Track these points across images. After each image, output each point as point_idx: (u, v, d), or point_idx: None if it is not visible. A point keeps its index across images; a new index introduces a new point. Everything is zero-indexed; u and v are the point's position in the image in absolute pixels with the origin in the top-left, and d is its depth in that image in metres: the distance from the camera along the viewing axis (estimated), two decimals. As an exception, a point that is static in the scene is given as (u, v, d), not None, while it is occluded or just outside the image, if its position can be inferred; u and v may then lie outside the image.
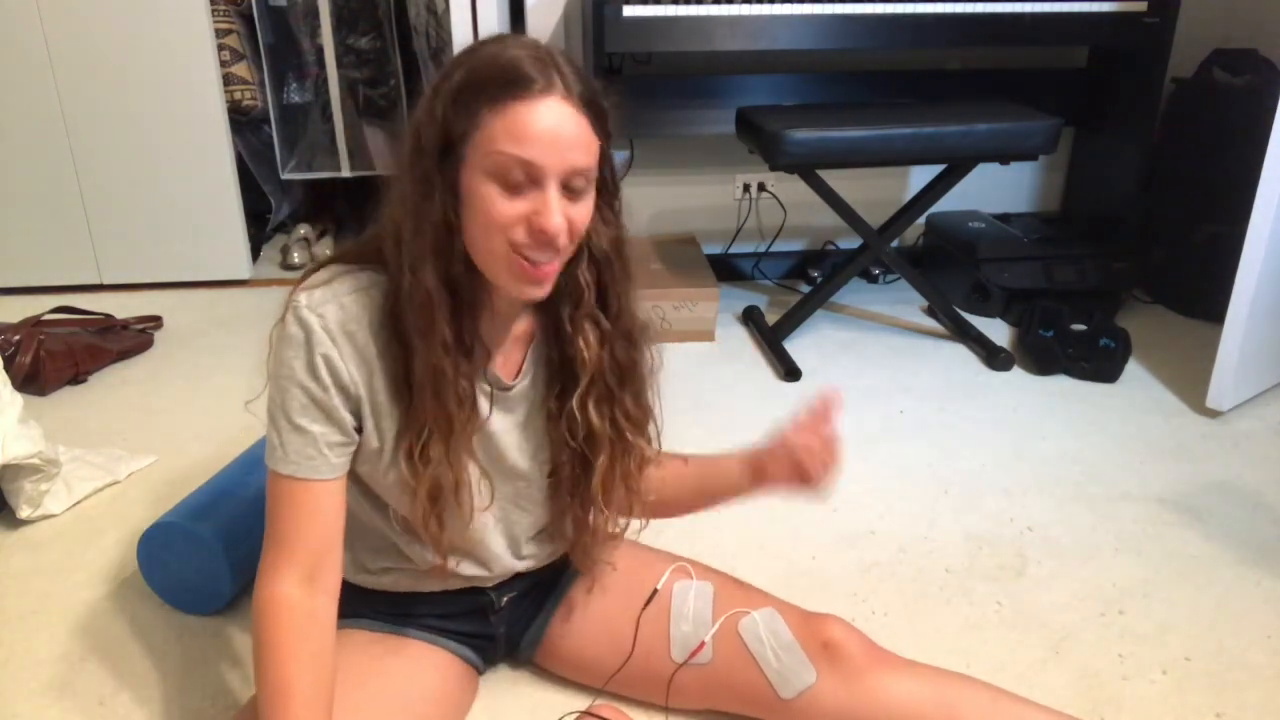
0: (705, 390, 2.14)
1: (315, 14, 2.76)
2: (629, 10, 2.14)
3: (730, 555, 1.54)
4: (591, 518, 1.11)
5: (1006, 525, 1.66)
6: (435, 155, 0.88)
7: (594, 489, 1.07)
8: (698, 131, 2.62)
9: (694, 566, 1.22)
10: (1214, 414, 2.03)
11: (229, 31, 2.70)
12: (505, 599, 1.18)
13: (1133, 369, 2.24)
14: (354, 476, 1.03)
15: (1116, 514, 1.69)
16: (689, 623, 1.15)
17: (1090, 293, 2.50)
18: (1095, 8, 2.29)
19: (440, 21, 2.74)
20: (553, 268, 0.94)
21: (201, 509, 1.40)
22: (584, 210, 0.93)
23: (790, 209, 2.77)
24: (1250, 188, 1.84)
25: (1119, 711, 1.24)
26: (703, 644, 1.13)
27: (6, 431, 1.55)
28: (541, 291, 0.95)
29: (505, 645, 1.24)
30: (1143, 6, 2.30)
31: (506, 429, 1.05)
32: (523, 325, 1.04)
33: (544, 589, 1.23)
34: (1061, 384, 2.19)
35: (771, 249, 2.81)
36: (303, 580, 0.96)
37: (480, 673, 1.24)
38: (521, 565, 1.16)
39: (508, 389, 1.04)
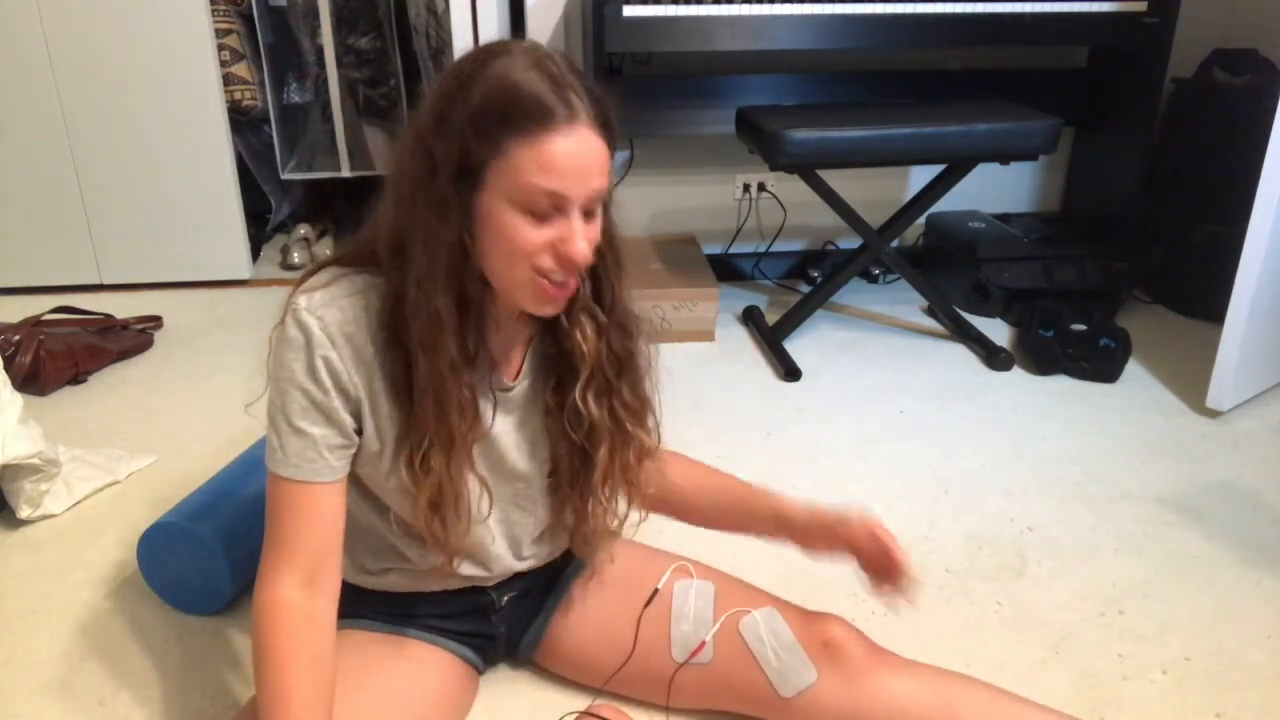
0: (705, 390, 2.14)
1: (315, 14, 2.76)
2: (629, 10, 2.14)
3: (730, 555, 1.54)
4: (591, 508, 1.11)
5: (1006, 525, 1.66)
6: (452, 178, 0.87)
7: (594, 481, 1.07)
8: (698, 131, 2.62)
9: (694, 566, 1.22)
10: (1214, 414, 2.03)
11: (229, 31, 2.70)
12: (505, 598, 1.18)
13: (1133, 369, 2.24)
14: (354, 478, 1.03)
15: (1116, 514, 1.69)
16: (689, 622, 1.15)
17: (1090, 293, 2.50)
18: (1095, 8, 2.29)
19: (440, 21, 2.74)
20: (573, 285, 0.95)
21: (201, 509, 1.40)
22: (598, 227, 0.94)
23: (790, 209, 2.77)
24: (1250, 188, 1.84)
25: (1119, 711, 1.24)
26: (703, 643, 1.13)
27: (6, 431, 1.55)
28: (558, 308, 0.96)
29: (505, 645, 1.24)
30: (1143, 6, 2.31)
31: (506, 430, 1.05)
32: (524, 327, 1.04)
33: (544, 588, 1.23)
34: (1061, 384, 2.19)
35: (771, 249, 2.81)
36: (303, 583, 0.96)
37: (480, 673, 1.24)
38: (522, 565, 1.16)
39: (509, 390, 1.04)
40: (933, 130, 2.12)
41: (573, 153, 0.86)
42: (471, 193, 0.88)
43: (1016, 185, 2.86)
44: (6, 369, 1.88)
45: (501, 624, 1.21)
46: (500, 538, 1.11)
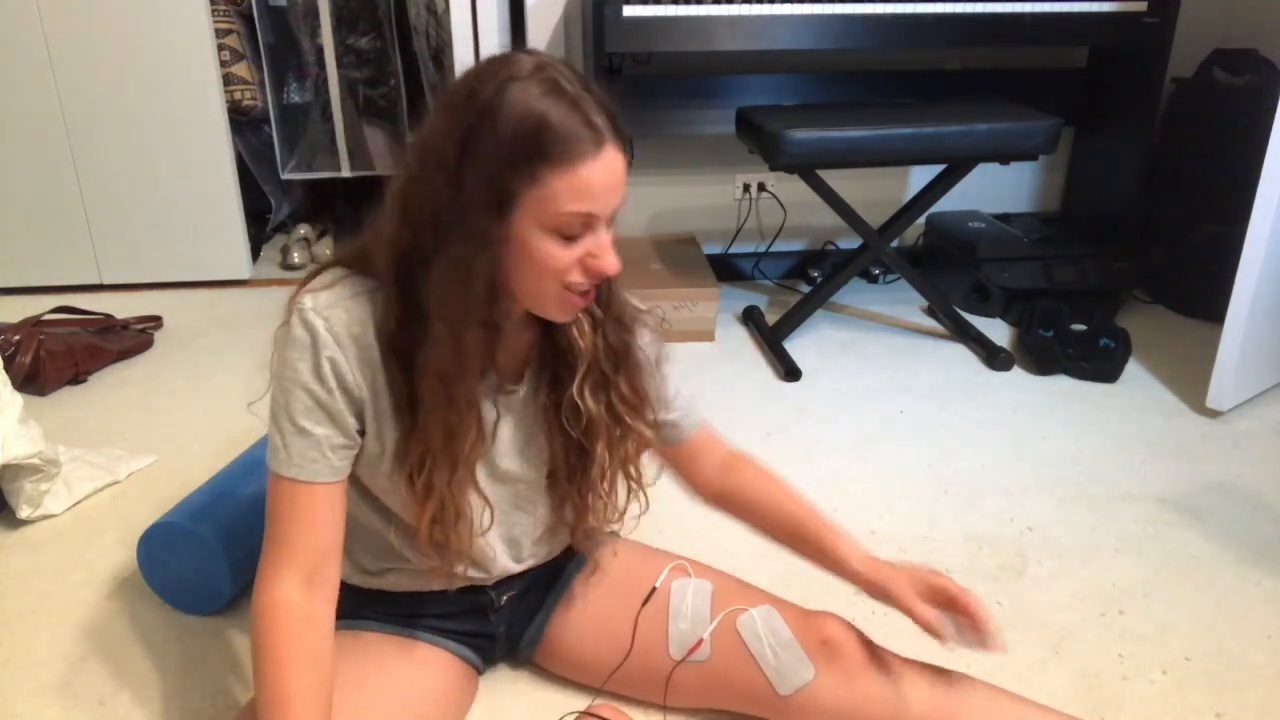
0: (705, 390, 2.14)
1: (315, 14, 2.76)
2: (629, 10, 2.14)
3: (730, 555, 1.54)
4: (591, 503, 1.11)
5: (1006, 525, 1.66)
6: (487, 211, 0.87)
7: (592, 477, 1.07)
8: (698, 131, 2.62)
9: (693, 565, 1.22)
10: (1214, 414, 2.03)
11: (229, 31, 2.70)
12: (505, 598, 1.18)
13: (1133, 369, 2.24)
14: (353, 479, 1.03)
15: (1116, 514, 1.69)
16: (687, 620, 1.15)
17: (1090, 293, 2.50)
18: (1095, 8, 2.29)
19: (440, 21, 2.74)
20: (594, 292, 0.96)
21: (201, 509, 1.39)
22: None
23: (790, 209, 2.77)
24: (1250, 188, 1.84)
25: (1119, 711, 1.24)
26: (701, 641, 1.14)
27: (6, 431, 1.55)
28: (575, 315, 0.98)
29: (505, 644, 1.24)
30: (1143, 6, 2.31)
31: (505, 434, 1.05)
32: (527, 332, 1.04)
33: (543, 587, 1.23)
34: (1061, 384, 2.19)
35: (771, 249, 2.81)
36: (302, 583, 0.96)
37: (480, 673, 1.24)
38: (521, 566, 1.16)
39: (512, 394, 1.04)
40: (933, 130, 2.12)
41: (603, 174, 0.87)
42: (500, 221, 0.88)
43: (1016, 185, 2.86)
44: (6, 369, 1.88)
45: (501, 623, 1.21)
46: (499, 540, 1.11)
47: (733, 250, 2.80)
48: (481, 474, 1.04)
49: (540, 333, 1.05)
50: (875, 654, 1.10)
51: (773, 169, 2.16)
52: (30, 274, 2.62)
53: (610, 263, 0.91)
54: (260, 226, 2.95)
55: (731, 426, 1.98)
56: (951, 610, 1.06)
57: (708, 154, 2.69)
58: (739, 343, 2.40)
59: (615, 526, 1.18)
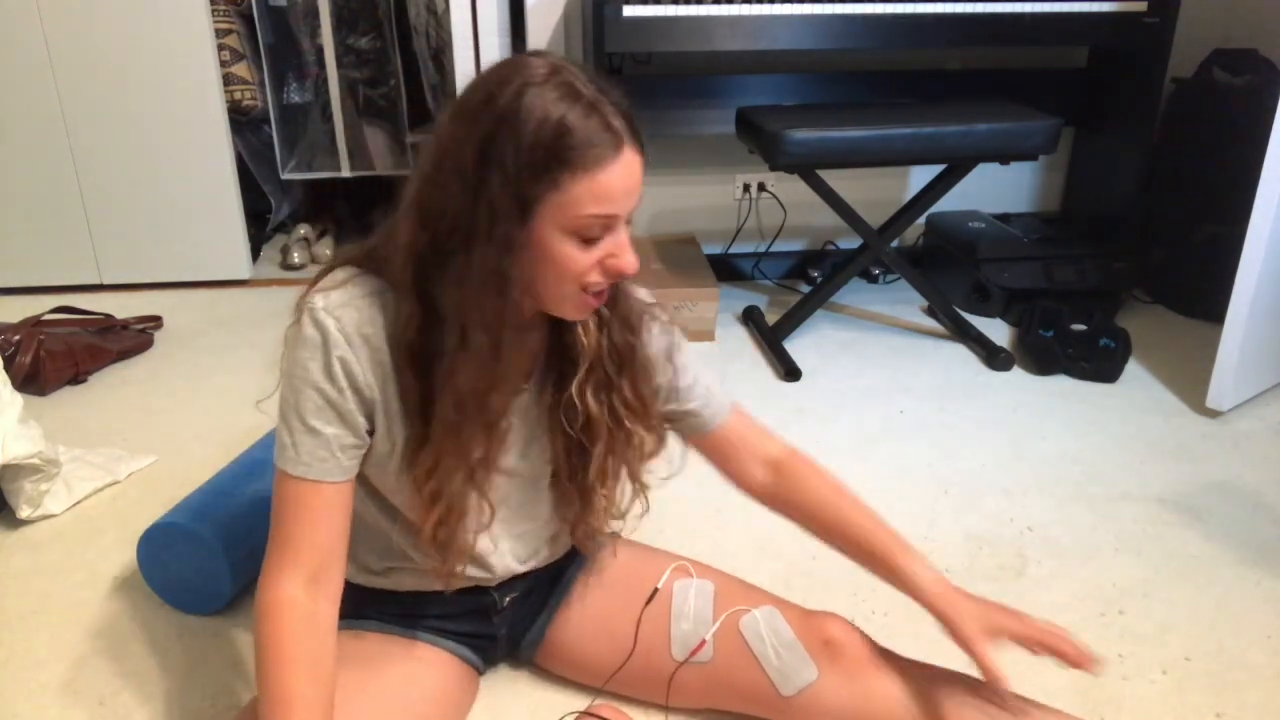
0: (705, 390, 2.14)
1: (315, 14, 2.76)
2: (629, 10, 2.14)
3: (730, 555, 1.54)
4: (593, 503, 1.10)
5: (1006, 525, 1.66)
6: (507, 217, 0.87)
7: (591, 477, 1.07)
8: (698, 131, 2.62)
9: (694, 566, 1.22)
10: (1214, 414, 2.03)
11: (229, 31, 2.70)
12: (507, 599, 1.18)
13: (1133, 369, 2.24)
14: (360, 477, 1.03)
15: (1116, 514, 1.69)
16: (689, 621, 1.15)
17: (1090, 293, 2.50)
18: (1095, 8, 2.29)
19: (440, 21, 2.74)
20: (608, 291, 0.96)
21: (201, 509, 1.39)
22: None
23: (790, 209, 2.77)
24: (1250, 188, 1.84)
25: (1119, 711, 1.24)
26: (703, 642, 1.13)
27: (6, 431, 1.55)
28: (590, 314, 0.98)
29: (506, 646, 1.24)
30: (1143, 6, 2.31)
31: (511, 434, 1.05)
32: (537, 332, 1.04)
33: (546, 589, 1.23)
34: (1061, 384, 2.19)
35: (771, 249, 2.81)
36: (307, 582, 0.96)
37: (480, 673, 1.24)
38: (524, 567, 1.16)
39: (521, 393, 1.04)
40: (933, 130, 2.12)
41: (622, 176, 0.88)
42: (521, 226, 0.88)
43: (1016, 185, 2.87)
44: (6, 369, 1.88)
45: (503, 625, 1.21)
46: (503, 539, 1.11)
47: (733, 250, 2.80)
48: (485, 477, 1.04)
49: (546, 331, 1.05)
50: (878, 654, 1.10)
51: (773, 169, 2.16)
52: (30, 274, 2.62)
53: (629, 261, 0.92)
54: (260, 226, 2.95)
55: (731, 426, 1.99)
56: (1032, 647, 1.02)
57: (708, 154, 2.69)
58: (739, 343, 2.40)
59: (617, 525, 1.18)
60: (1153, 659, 1.34)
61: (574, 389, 1.02)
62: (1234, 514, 1.69)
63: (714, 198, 2.75)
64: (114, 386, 2.15)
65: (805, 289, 2.72)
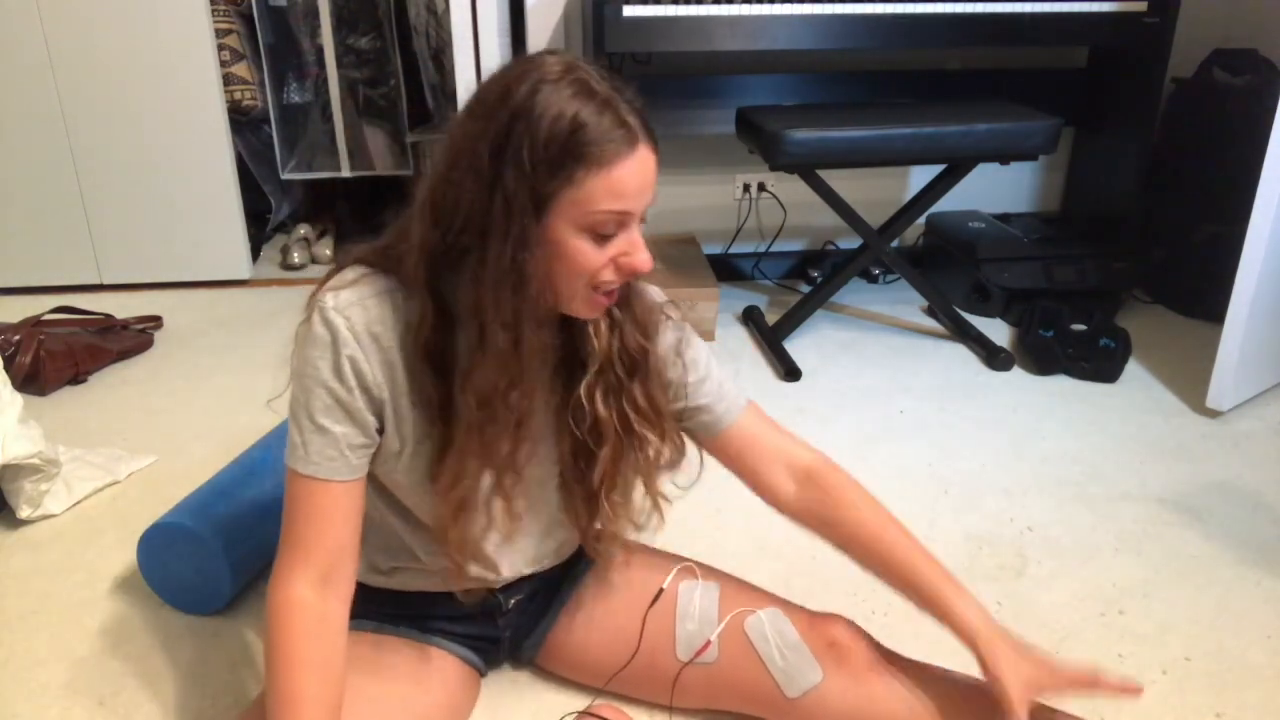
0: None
1: (315, 14, 2.76)
2: (629, 10, 2.14)
3: (730, 555, 1.54)
4: (601, 508, 1.09)
5: (1006, 525, 1.66)
6: (530, 215, 0.87)
7: (596, 481, 1.06)
8: (698, 131, 2.62)
9: (699, 567, 1.21)
10: (1214, 414, 2.03)
11: (229, 31, 2.70)
12: (513, 601, 1.18)
13: (1133, 369, 2.24)
14: (369, 476, 1.02)
15: (1116, 514, 1.69)
16: (694, 622, 1.15)
17: (1090, 293, 2.50)
18: (1095, 8, 2.29)
19: (440, 21, 2.74)
20: (617, 290, 0.96)
21: (201, 509, 1.39)
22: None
23: (790, 209, 2.77)
24: (1250, 188, 1.84)
25: (1119, 711, 1.24)
26: (708, 643, 1.13)
27: (6, 431, 1.55)
28: (601, 312, 0.97)
29: (509, 648, 1.24)
30: (1143, 6, 2.31)
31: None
32: (552, 329, 1.03)
33: (550, 591, 1.22)
34: (1061, 384, 2.19)
35: (771, 249, 2.81)
36: (317, 582, 0.96)
37: (482, 675, 1.24)
38: (531, 569, 1.16)
39: (541, 389, 1.03)
40: (933, 130, 2.12)
41: (637, 173, 0.88)
42: (536, 223, 0.88)
43: (1016, 185, 2.87)
44: (6, 369, 1.88)
45: (508, 628, 1.20)
46: (513, 540, 1.11)
47: (733, 250, 2.81)
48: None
49: (557, 331, 1.04)
50: (882, 656, 1.10)
51: (773, 169, 2.16)
52: (30, 274, 2.62)
53: (643, 259, 0.92)
54: (260, 226, 2.95)
55: (732, 426, 1.99)
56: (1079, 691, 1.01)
57: (708, 154, 2.69)
58: (739, 343, 2.40)
59: (632, 535, 1.16)
60: (1153, 659, 1.34)
61: (582, 390, 1.02)
62: (1234, 514, 1.69)
63: (714, 198, 2.75)
64: (114, 386, 2.15)
65: (805, 289, 2.72)
